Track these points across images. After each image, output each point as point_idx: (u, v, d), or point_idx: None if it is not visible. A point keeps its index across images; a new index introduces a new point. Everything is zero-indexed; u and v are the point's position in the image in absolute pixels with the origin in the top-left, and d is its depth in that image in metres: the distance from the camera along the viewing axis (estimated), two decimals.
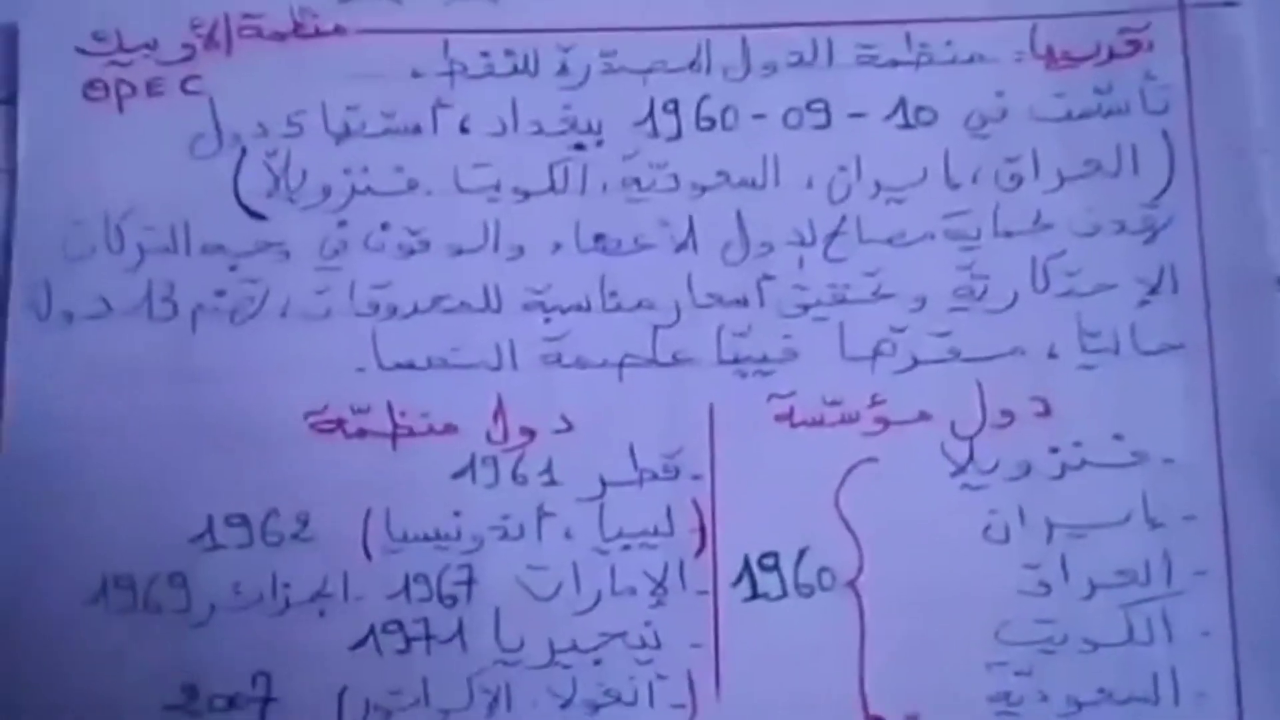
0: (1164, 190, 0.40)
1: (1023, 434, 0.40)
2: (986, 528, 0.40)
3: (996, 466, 0.40)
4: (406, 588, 0.39)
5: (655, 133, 0.40)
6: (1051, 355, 0.40)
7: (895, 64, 0.41)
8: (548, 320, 0.39)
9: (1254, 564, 0.39)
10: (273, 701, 0.38)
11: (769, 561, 0.39)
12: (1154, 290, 0.40)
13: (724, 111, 0.40)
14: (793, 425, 0.39)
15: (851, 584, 0.39)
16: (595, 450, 0.39)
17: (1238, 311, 0.39)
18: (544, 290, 0.39)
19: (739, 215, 0.40)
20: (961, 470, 0.40)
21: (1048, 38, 0.41)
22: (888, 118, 0.40)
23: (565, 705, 0.38)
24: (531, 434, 0.39)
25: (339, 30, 0.40)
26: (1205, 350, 0.40)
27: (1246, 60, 0.40)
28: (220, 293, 0.39)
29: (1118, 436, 0.40)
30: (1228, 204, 0.40)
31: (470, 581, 0.38)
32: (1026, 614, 0.39)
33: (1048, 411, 0.40)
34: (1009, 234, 0.40)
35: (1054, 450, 0.39)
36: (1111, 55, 0.41)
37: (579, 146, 0.40)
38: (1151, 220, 0.40)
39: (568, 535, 0.39)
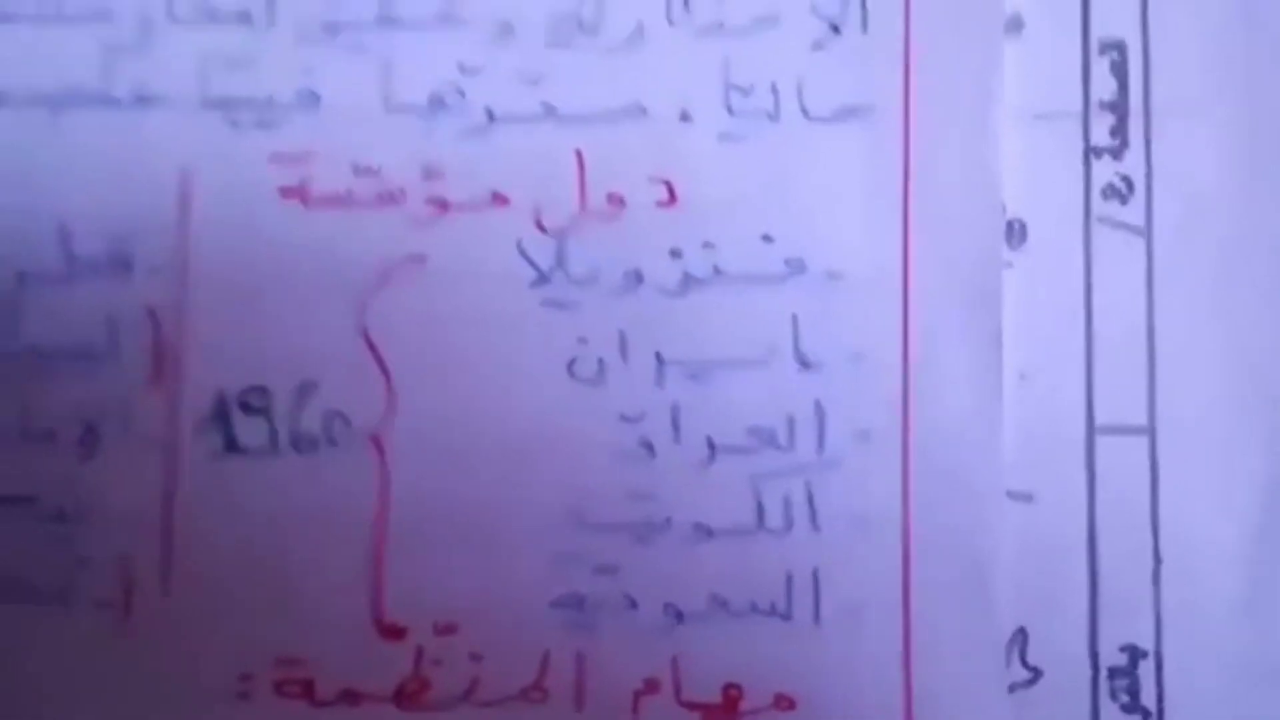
0: None
1: (635, 229, 0.28)
2: (572, 361, 0.28)
3: (595, 274, 0.27)
4: None
5: None
6: (684, 118, 0.27)
7: None
8: None
9: (942, 420, 0.27)
10: None
11: (255, 401, 0.27)
12: (836, 29, 0.27)
13: None
14: (306, 204, 0.27)
15: (374, 436, 0.27)
16: (8, 232, 0.27)
17: (950, 60, 0.27)
18: None
19: None
20: (545, 279, 0.28)
21: None
22: None
23: None
24: None
25: None
26: (899, 118, 0.28)
27: None
28: None
29: (767, 239, 0.27)
30: None
31: None
32: (617, 485, 0.27)
33: (672, 198, 0.28)
34: None
35: (675, 254, 0.27)
36: None
37: None
38: None
39: None
